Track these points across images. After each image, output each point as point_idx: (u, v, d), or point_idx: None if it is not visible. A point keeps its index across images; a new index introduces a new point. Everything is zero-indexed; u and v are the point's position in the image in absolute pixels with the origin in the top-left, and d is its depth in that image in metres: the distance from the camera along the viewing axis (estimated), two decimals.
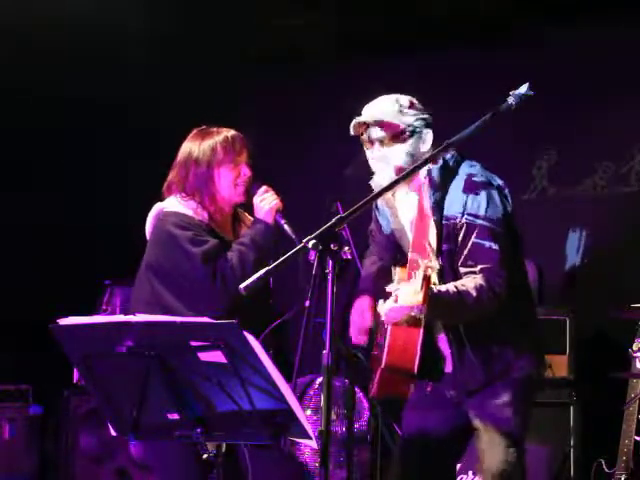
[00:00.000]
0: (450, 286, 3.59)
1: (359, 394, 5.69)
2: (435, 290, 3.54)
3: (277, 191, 4.12)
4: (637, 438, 5.00)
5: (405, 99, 3.86)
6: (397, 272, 3.91)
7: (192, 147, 4.11)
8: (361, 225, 4.13)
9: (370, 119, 3.83)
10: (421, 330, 3.66)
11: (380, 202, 4.00)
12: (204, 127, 4.19)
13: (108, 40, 6.52)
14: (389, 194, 3.85)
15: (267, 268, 3.28)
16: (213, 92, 6.93)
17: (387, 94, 3.90)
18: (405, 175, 3.57)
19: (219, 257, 3.97)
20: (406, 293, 3.45)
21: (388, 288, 3.60)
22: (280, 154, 7.17)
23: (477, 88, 6.36)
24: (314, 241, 3.21)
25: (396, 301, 3.51)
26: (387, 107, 3.83)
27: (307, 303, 3.72)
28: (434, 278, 3.59)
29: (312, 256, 3.26)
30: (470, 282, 3.61)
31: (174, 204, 4.08)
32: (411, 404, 3.95)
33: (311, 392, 5.90)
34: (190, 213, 4.03)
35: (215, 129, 4.15)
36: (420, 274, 3.37)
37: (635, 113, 6.32)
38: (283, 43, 6.99)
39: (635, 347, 5.08)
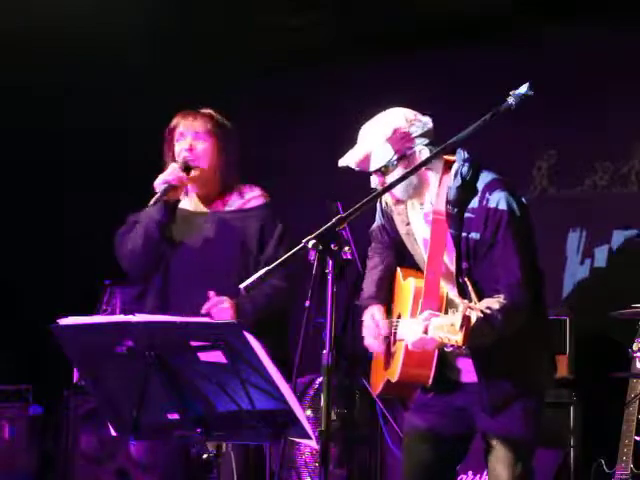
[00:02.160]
0: (478, 312, 3.43)
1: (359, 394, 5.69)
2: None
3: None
4: (637, 438, 5.01)
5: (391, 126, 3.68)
6: (411, 283, 3.79)
7: None
8: (361, 225, 4.12)
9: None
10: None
11: (386, 205, 3.92)
12: None
13: (108, 40, 6.52)
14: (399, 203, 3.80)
15: (267, 268, 3.28)
16: (213, 92, 6.92)
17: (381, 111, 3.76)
18: (404, 176, 3.56)
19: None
20: (439, 327, 3.33)
21: (418, 316, 3.47)
22: (280, 154, 7.17)
23: (477, 88, 6.35)
24: (314, 241, 3.20)
25: (426, 332, 3.39)
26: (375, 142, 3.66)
27: (307, 303, 3.70)
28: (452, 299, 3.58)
29: (312, 256, 3.26)
30: (495, 304, 3.48)
31: None
32: (415, 406, 3.91)
33: (311, 392, 5.89)
34: None
35: None
36: (460, 313, 3.26)
37: (635, 113, 6.31)
38: (283, 43, 6.99)
39: (635, 347, 5.08)
